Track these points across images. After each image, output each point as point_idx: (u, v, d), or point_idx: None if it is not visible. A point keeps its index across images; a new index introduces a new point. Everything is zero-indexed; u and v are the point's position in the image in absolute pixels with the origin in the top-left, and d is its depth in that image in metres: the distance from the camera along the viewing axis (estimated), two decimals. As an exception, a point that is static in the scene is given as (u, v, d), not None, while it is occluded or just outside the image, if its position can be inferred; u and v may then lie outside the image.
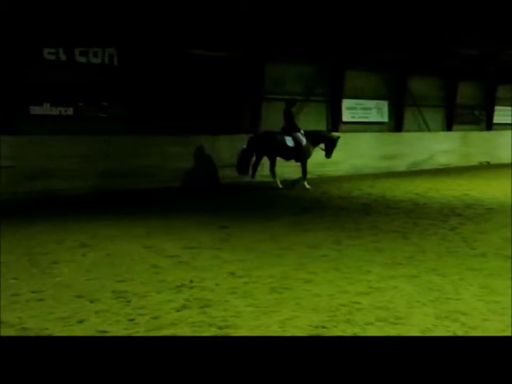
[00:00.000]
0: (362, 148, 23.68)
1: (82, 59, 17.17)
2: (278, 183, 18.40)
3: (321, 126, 23.16)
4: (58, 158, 16.27)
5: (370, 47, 22.32)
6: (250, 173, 18.69)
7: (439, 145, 27.60)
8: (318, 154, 19.59)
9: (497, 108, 31.71)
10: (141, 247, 9.77)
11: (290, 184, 18.59)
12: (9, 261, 8.68)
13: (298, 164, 19.15)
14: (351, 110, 24.60)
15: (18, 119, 16.16)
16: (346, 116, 24.33)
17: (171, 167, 18.34)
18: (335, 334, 5.76)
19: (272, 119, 21.64)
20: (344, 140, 20.48)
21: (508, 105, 32.50)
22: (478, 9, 17.90)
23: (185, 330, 5.85)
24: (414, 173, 23.89)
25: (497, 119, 31.87)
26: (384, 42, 21.80)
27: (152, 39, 18.04)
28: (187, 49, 19.03)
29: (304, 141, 18.71)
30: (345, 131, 22.03)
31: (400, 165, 25.34)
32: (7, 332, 5.76)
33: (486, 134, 31.12)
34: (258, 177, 19.71)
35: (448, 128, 29.33)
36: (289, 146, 18.55)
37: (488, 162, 29.66)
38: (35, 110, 16.50)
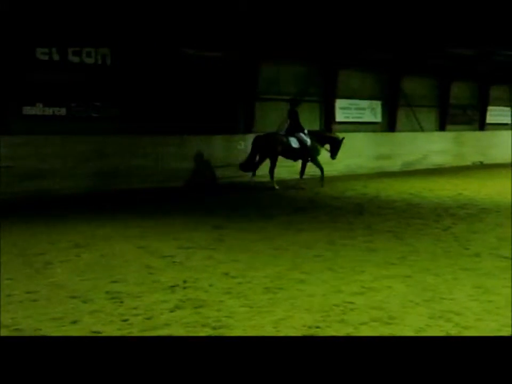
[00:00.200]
0: (356, 148, 23.68)
1: (75, 59, 17.13)
2: (275, 184, 18.40)
3: (314, 126, 23.15)
4: (51, 158, 16.24)
5: (363, 47, 22.32)
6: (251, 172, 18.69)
7: (432, 145, 27.64)
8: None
9: (490, 107, 31.78)
10: (135, 248, 9.76)
11: (320, 182, 18.63)
12: (3, 262, 8.65)
13: (293, 163, 19.17)
14: (344, 110, 24.62)
15: (12, 120, 16.11)
16: (339, 116, 24.34)
17: (165, 167, 18.32)
18: (329, 334, 5.77)
19: (266, 119, 21.67)
20: (338, 140, 20.49)
21: (500, 105, 32.59)
22: (471, 9, 17.91)
23: (179, 331, 5.84)
24: (407, 173, 23.91)
25: (490, 119, 31.94)
26: (377, 43, 21.80)
27: (145, 39, 18.01)
28: (181, 49, 19.02)
29: (308, 141, 18.74)
30: (339, 131, 22.01)
31: (394, 165, 25.37)
32: (1, 332, 5.75)
33: (479, 134, 31.18)
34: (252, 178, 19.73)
35: (442, 128, 29.38)
36: (294, 147, 18.58)
37: (481, 162, 29.72)
38: (28, 110, 16.45)
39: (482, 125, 31.67)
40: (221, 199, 16.62)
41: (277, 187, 18.30)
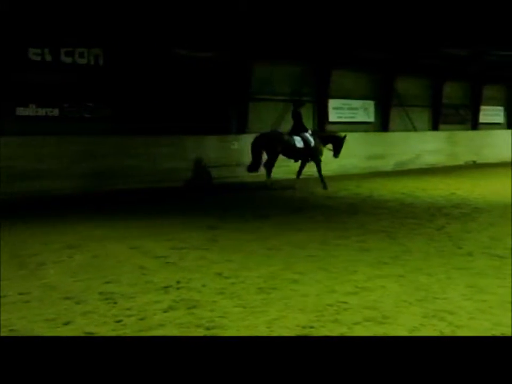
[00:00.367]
0: (349, 148, 23.66)
1: (68, 59, 17.10)
2: (269, 182, 18.41)
3: (307, 126, 23.14)
4: (45, 159, 16.21)
5: (356, 47, 22.35)
6: (259, 170, 18.73)
7: (425, 145, 27.70)
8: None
9: (482, 107, 31.85)
10: (128, 248, 9.75)
11: (321, 185, 18.66)
12: (-5, 263, 8.64)
13: (289, 163, 19.19)
14: (337, 110, 24.64)
15: (4, 120, 16.07)
16: (332, 116, 24.36)
17: (158, 167, 18.31)
18: (323, 334, 5.77)
19: (259, 119, 21.67)
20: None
21: (493, 105, 32.67)
22: (464, 10, 17.95)
23: (172, 331, 5.84)
24: (400, 173, 23.95)
25: (483, 118, 32.03)
26: (370, 43, 21.83)
27: (138, 39, 18.00)
28: (174, 49, 19.00)
29: (312, 141, 18.76)
30: (332, 131, 22.02)
31: (387, 164, 25.41)
32: (-6, 333, 5.74)
33: (472, 134, 31.25)
34: (246, 178, 19.74)
35: (434, 127, 29.43)
36: (298, 147, 18.58)
37: (474, 162, 29.79)
38: (21, 111, 16.43)
39: (475, 125, 31.75)
40: (214, 199, 16.61)
41: (269, 184, 18.27)
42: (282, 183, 19.35)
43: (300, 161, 19.21)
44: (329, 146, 19.76)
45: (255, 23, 18.70)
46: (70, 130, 16.97)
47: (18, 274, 8.07)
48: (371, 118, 26.20)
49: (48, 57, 16.79)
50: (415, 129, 28.12)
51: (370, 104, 26.14)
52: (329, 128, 23.34)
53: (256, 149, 18.42)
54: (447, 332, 5.81)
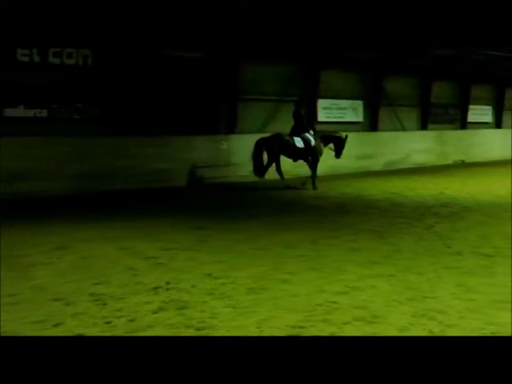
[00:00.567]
0: (339, 148, 23.72)
1: (56, 60, 17.03)
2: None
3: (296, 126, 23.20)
4: (33, 160, 16.14)
5: (345, 47, 22.37)
6: (265, 175, 18.78)
7: (414, 145, 27.75)
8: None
9: (471, 106, 31.93)
10: (118, 249, 9.72)
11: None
12: (-16, 265, 8.61)
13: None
14: (326, 110, 24.64)
15: (-7, 122, 16.03)
16: (321, 116, 24.35)
17: (147, 168, 18.27)
18: (313, 333, 5.78)
19: (248, 119, 21.66)
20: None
21: (481, 104, 32.77)
22: (451, 10, 18.00)
23: (162, 332, 5.84)
24: (390, 172, 23.98)
25: (471, 117, 32.10)
26: (359, 43, 21.85)
27: (127, 40, 17.94)
28: (162, 50, 18.95)
29: (313, 141, 18.79)
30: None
31: (376, 164, 25.44)
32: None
33: (460, 133, 31.32)
34: (235, 178, 19.75)
35: (423, 127, 29.47)
36: (298, 148, 18.62)
37: (463, 161, 29.86)
38: (9, 112, 16.35)
39: (463, 124, 31.82)
40: (204, 200, 16.60)
41: (259, 184, 18.34)
42: (271, 183, 19.35)
43: (298, 161, 19.24)
44: (331, 146, 19.79)
45: (244, 24, 18.70)
46: (59, 131, 16.90)
47: (7, 276, 8.03)
48: (360, 118, 26.20)
49: (37, 58, 16.70)
50: (404, 129, 28.16)
51: (359, 104, 26.15)
52: (318, 128, 23.33)
53: (256, 152, 18.50)
54: (437, 331, 5.83)
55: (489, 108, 33.53)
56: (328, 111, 24.70)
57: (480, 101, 32.52)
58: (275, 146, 18.44)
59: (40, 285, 7.62)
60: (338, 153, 19.84)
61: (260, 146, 18.46)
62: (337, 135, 20.10)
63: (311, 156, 18.95)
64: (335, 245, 10.01)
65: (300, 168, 19.70)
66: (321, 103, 24.35)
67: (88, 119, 17.67)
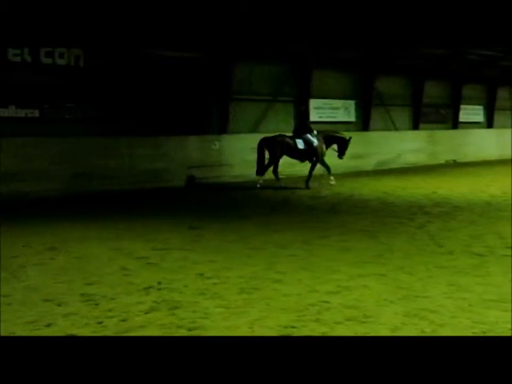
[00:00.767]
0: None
1: (47, 60, 17.00)
2: (261, 182, 18.52)
3: (289, 126, 23.18)
4: (26, 161, 16.12)
5: (337, 47, 22.40)
6: (265, 175, 18.83)
7: (406, 144, 27.81)
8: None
9: (462, 106, 32.02)
10: (110, 249, 9.71)
11: (305, 184, 18.72)
12: (-25, 265, 8.58)
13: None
14: (318, 109, 24.67)
15: (-17, 122, 15.99)
16: (314, 116, 24.36)
17: (139, 168, 18.26)
18: (304, 333, 5.77)
19: (240, 119, 21.67)
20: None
21: (473, 104, 32.85)
22: (443, 9, 18.03)
23: (154, 332, 5.82)
24: (381, 172, 24.02)
25: (463, 117, 32.20)
26: (351, 43, 21.88)
27: (119, 40, 17.92)
28: (154, 50, 18.94)
29: (315, 142, 18.82)
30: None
31: (368, 164, 25.48)
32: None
33: (452, 133, 31.41)
34: (228, 178, 19.76)
35: (415, 127, 29.55)
36: (300, 149, 18.66)
37: (454, 161, 29.94)
38: (0, 112, 16.31)
39: (455, 124, 31.92)
40: (196, 200, 16.60)
41: (258, 186, 18.38)
42: (262, 183, 19.36)
43: (293, 161, 19.31)
44: (334, 147, 19.81)
45: (236, 23, 18.69)
46: (51, 131, 16.88)
47: (-1, 277, 8.02)
48: (352, 118, 26.26)
49: (28, 58, 16.69)
50: (395, 128, 28.23)
51: (351, 104, 26.20)
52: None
53: (259, 152, 18.56)
54: (429, 330, 5.84)
55: (481, 107, 33.65)
56: (321, 110, 24.74)
57: (471, 101, 32.64)
58: (276, 147, 18.48)
59: (32, 285, 7.60)
60: (341, 154, 19.93)
61: (262, 145, 18.51)
62: (340, 136, 20.16)
63: (314, 156, 18.98)
64: (327, 244, 10.01)
65: (291, 168, 19.69)
66: (314, 102, 24.38)
67: (80, 119, 17.66)
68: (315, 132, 19.11)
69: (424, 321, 6.09)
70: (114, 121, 18.09)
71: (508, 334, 5.71)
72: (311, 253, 9.37)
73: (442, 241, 10.26)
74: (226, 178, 20.08)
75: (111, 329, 5.95)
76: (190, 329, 5.91)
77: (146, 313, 6.45)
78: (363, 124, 26.72)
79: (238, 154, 20.88)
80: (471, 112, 32.95)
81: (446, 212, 13.70)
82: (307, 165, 19.29)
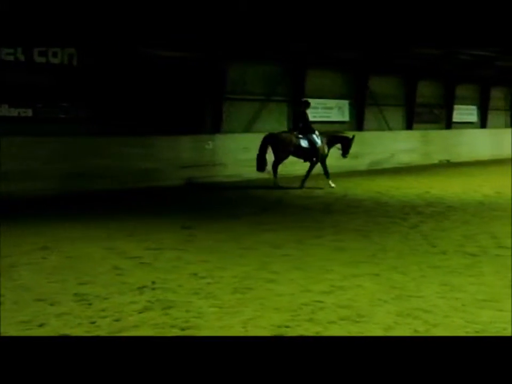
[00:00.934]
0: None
1: (41, 59, 16.95)
2: (277, 181, 18.50)
3: (282, 125, 23.19)
4: (18, 160, 16.04)
5: (331, 47, 22.40)
6: (266, 170, 18.77)
7: (399, 144, 27.81)
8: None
9: (456, 106, 32.05)
10: (102, 249, 9.69)
11: (300, 182, 18.73)
12: (-32, 265, 8.55)
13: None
14: (312, 109, 24.56)
15: (-24, 121, 15.94)
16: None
17: (132, 168, 18.22)
18: (298, 333, 5.77)
19: (234, 119, 21.66)
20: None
21: (466, 104, 32.91)
22: (437, 9, 18.05)
23: (147, 332, 5.82)
24: (375, 172, 24.03)
25: (456, 117, 32.23)
26: (344, 42, 21.88)
27: (112, 39, 17.88)
28: (147, 49, 18.90)
29: (318, 142, 18.83)
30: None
31: (361, 164, 25.45)
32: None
33: (445, 133, 31.44)
34: (221, 177, 19.75)
35: (409, 127, 29.56)
36: (304, 148, 18.68)
37: (448, 161, 29.96)
38: (-7, 111, 16.29)
39: (448, 124, 31.94)
40: (189, 200, 16.58)
41: (279, 184, 18.38)
42: (254, 182, 19.37)
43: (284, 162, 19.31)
44: (338, 146, 19.81)
45: (229, 23, 18.68)
46: (44, 131, 16.82)
47: (-9, 276, 7.99)
48: (346, 118, 26.26)
49: (21, 57, 16.64)
50: (389, 128, 28.24)
51: (345, 104, 26.20)
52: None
53: (262, 148, 18.55)
54: (422, 330, 5.85)
55: (474, 107, 33.69)
56: (314, 110, 24.67)
57: (465, 101, 32.68)
58: (279, 145, 18.48)
59: (24, 285, 7.58)
60: (345, 153, 19.92)
61: (266, 142, 18.52)
62: (344, 135, 20.16)
63: (315, 156, 19.00)
64: (320, 244, 10.02)
65: (287, 168, 19.68)
66: (307, 102, 24.35)
67: (73, 119, 17.60)
68: (317, 133, 19.11)
69: (417, 321, 6.10)
70: (107, 120, 18.05)
71: (501, 333, 5.73)
72: (305, 252, 9.38)
73: (435, 241, 10.28)
74: (220, 178, 20.06)
75: (104, 329, 5.94)
76: (183, 329, 5.90)
77: (139, 313, 6.44)
78: (357, 123, 26.71)
79: (231, 154, 20.86)
80: (465, 112, 32.99)
81: (439, 212, 13.72)
82: (300, 164, 19.28)
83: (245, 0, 17.52)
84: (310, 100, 24.00)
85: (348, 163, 24.06)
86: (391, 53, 24.82)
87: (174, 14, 17.33)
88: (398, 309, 6.48)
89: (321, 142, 18.98)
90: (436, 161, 29.31)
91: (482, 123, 34.19)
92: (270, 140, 18.57)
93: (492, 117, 34.51)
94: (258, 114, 22.45)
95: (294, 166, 19.58)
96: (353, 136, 19.96)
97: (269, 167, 18.62)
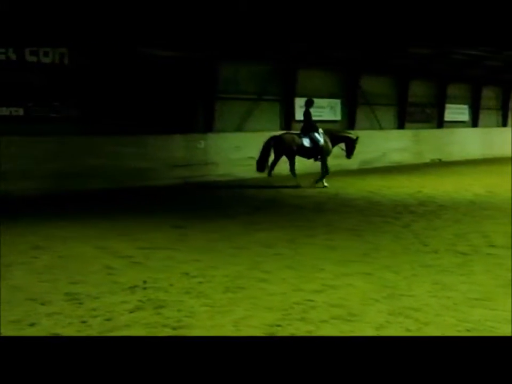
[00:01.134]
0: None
1: (32, 58, 16.91)
2: (298, 181, 18.50)
3: (274, 124, 23.23)
4: (10, 159, 15.98)
5: (322, 46, 22.42)
6: (267, 170, 18.83)
7: (391, 143, 27.84)
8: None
9: (448, 105, 32.12)
10: (94, 248, 9.68)
11: (317, 181, 18.75)
12: (-42, 264, 8.52)
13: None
14: (304, 108, 24.64)
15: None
16: (299, 115, 24.28)
17: (124, 167, 18.19)
18: (290, 332, 5.78)
19: (226, 118, 21.65)
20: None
21: (458, 103, 32.97)
22: (429, 9, 18.08)
23: (139, 332, 5.81)
24: (366, 171, 24.05)
25: (448, 116, 32.29)
26: (336, 42, 21.90)
27: (104, 38, 17.84)
28: (140, 48, 18.88)
29: (321, 140, 18.85)
30: (299, 130, 22.04)
31: (353, 163, 25.40)
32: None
33: (437, 132, 31.50)
34: (213, 177, 19.74)
35: (400, 126, 29.60)
36: (306, 147, 18.74)
37: (439, 160, 30.02)
38: (-16, 110, 16.24)
39: (440, 123, 32.00)
40: (181, 199, 16.56)
41: (301, 185, 18.39)
42: (247, 182, 19.38)
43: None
44: (342, 146, 19.82)
45: (221, 22, 18.67)
46: (36, 130, 16.79)
47: (-18, 276, 7.97)
48: (338, 117, 26.28)
49: (13, 56, 16.59)
50: (381, 127, 28.28)
51: (337, 103, 26.22)
52: (296, 126, 23.33)
53: (264, 149, 18.62)
54: (414, 328, 5.86)
55: (466, 106, 33.75)
56: (306, 109, 24.71)
57: (456, 100, 32.75)
58: (281, 146, 18.49)
59: (15, 284, 7.56)
60: (349, 154, 19.97)
61: (269, 143, 18.59)
62: (347, 135, 20.17)
63: (319, 155, 19.02)
64: (312, 243, 10.03)
65: (282, 167, 19.69)
66: (299, 101, 24.35)
67: (65, 118, 17.56)
68: (321, 131, 19.12)
69: (409, 320, 6.11)
70: (98, 120, 18.02)
71: (491, 332, 5.75)
72: (297, 251, 9.38)
73: (427, 240, 10.30)
74: (212, 177, 20.06)
75: (95, 328, 5.93)
76: (175, 328, 5.90)
77: (131, 312, 6.43)
78: (349, 122, 26.74)
79: (223, 153, 20.86)
80: (456, 112, 33.06)
81: (431, 211, 13.75)
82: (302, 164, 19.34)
83: (245, 0, 17.53)
84: (302, 99, 24.05)
85: (339, 162, 24.09)
86: (383, 53, 24.86)
87: (165, 14, 17.31)
88: (389, 308, 6.49)
89: (325, 139, 18.99)
90: (427, 160, 29.36)
91: (474, 122, 34.27)
92: (273, 142, 18.59)
93: (483, 116, 34.60)
94: (250, 113, 22.45)
95: (286, 165, 19.55)
96: (357, 137, 19.96)
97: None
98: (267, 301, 6.79)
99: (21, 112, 16.80)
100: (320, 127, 19.27)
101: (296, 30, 20.19)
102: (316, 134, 18.92)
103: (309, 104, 19.32)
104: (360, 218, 12.75)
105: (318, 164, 19.26)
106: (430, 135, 30.78)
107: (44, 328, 5.95)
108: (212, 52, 20.58)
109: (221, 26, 18.95)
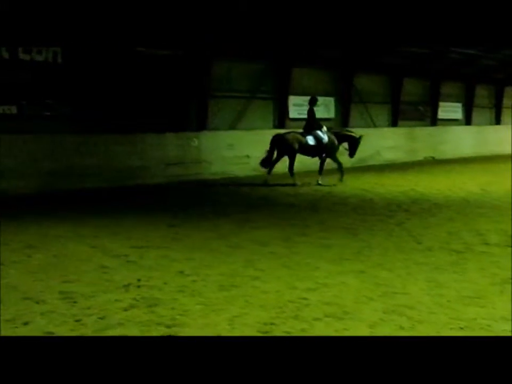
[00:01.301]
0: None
1: (25, 56, 16.87)
2: (296, 180, 18.53)
3: (268, 123, 23.24)
4: (3, 158, 15.96)
5: (316, 45, 22.42)
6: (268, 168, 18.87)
7: (385, 141, 27.87)
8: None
9: (441, 104, 32.16)
10: (88, 247, 9.67)
11: (340, 178, 18.96)
12: (-48, 263, 8.50)
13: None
14: (297, 106, 24.65)
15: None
16: (293, 113, 24.37)
17: (117, 165, 18.17)
18: (284, 330, 5.79)
19: (219, 116, 21.63)
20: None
21: (451, 101, 33.03)
22: (422, 8, 18.11)
23: (133, 330, 5.81)
24: (360, 169, 24.03)
25: (441, 114, 32.34)
26: (330, 40, 21.91)
27: (97, 36, 17.81)
28: (133, 47, 18.85)
29: (325, 138, 18.86)
30: (292, 128, 22.04)
31: (347, 161, 25.47)
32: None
33: (430, 130, 31.54)
34: (206, 175, 19.74)
35: (394, 124, 29.63)
36: (310, 145, 18.75)
37: (433, 158, 30.07)
38: (-23, 108, 16.19)
39: (433, 121, 32.04)
40: (174, 197, 16.54)
41: (298, 183, 18.44)
42: (241, 180, 19.38)
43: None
44: (345, 145, 19.83)
45: (214, 20, 18.66)
46: (29, 128, 16.74)
47: (-24, 275, 7.95)
48: (331, 115, 26.28)
49: (6, 55, 16.55)
50: (374, 125, 28.30)
51: (330, 101, 26.22)
52: (289, 125, 23.35)
53: (271, 147, 18.64)
54: (407, 326, 5.87)
55: (459, 105, 33.81)
56: (300, 107, 24.69)
57: (450, 98, 32.80)
58: (294, 144, 18.49)
59: (9, 283, 7.54)
60: (352, 153, 20.01)
61: (274, 142, 18.64)
62: (350, 134, 20.18)
63: (325, 153, 19.04)
64: (307, 242, 10.04)
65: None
66: (293, 99, 24.38)
67: (58, 116, 17.51)
68: (324, 129, 19.13)
69: (402, 318, 6.13)
70: (92, 118, 17.98)
71: (485, 330, 5.77)
72: (291, 250, 9.39)
73: (420, 238, 10.33)
74: (205, 175, 20.05)
75: (89, 327, 5.93)
76: (169, 327, 5.90)
77: (125, 310, 6.43)
78: (342, 120, 26.75)
79: (216, 151, 20.85)
80: (450, 110, 33.11)
81: (424, 209, 13.78)
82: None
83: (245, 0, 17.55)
84: (296, 97, 24.12)
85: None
86: (377, 51, 24.87)
87: (157, 12, 17.30)
88: (383, 306, 6.51)
89: (330, 137, 18.99)
90: (421, 158, 29.41)
91: (467, 120, 34.33)
92: (275, 140, 18.61)
93: (476, 114, 34.67)
94: (243, 111, 22.45)
95: (284, 163, 19.54)
96: (360, 136, 19.96)
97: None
98: (261, 299, 6.80)
99: (14, 110, 16.75)
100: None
101: (290, 28, 20.20)
102: (320, 132, 18.93)
103: (312, 102, 19.33)
104: (354, 216, 12.77)
105: (317, 162, 19.27)
106: (424, 133, 30.84)
107: (38, 326, 5.94)
108: (205, 50, 20.56)
109: (215, 24, 18.93)
